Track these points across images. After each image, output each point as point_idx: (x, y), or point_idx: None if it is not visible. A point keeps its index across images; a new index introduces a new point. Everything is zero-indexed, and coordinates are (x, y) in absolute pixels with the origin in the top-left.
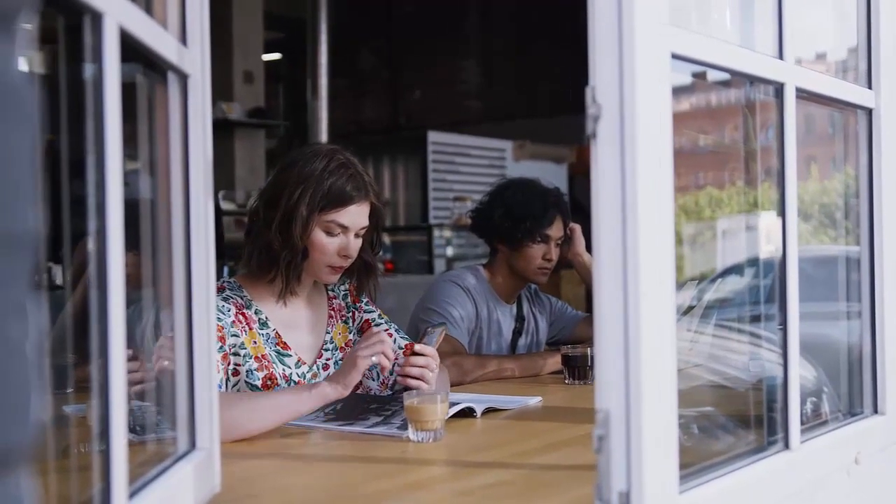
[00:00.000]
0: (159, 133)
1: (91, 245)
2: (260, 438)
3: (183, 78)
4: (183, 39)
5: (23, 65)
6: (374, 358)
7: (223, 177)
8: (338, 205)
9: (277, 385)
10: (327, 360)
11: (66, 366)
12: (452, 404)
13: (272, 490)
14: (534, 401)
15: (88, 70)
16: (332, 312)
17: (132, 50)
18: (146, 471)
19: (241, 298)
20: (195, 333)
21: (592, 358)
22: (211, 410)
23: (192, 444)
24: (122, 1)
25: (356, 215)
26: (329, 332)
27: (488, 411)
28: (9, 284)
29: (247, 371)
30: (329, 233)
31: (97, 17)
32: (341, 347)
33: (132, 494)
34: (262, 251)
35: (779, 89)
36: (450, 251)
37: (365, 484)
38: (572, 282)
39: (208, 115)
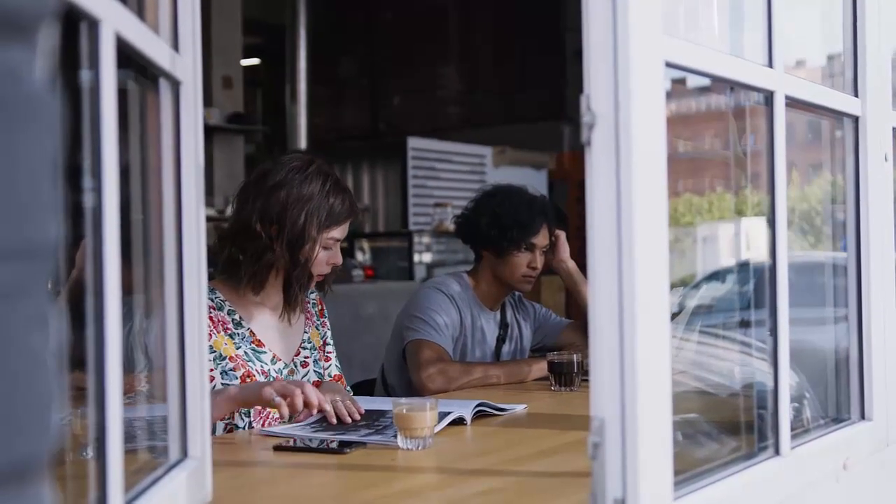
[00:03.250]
0: (150, 139)
1: (87, 251)
2: (251, 448)
3: (175, 85)
4: (175, 46)
5: (43, 73)
6: (277, 399)
7: None
8: (339, 223)
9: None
10: (305, 357)
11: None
12: (442, 413)
13: (263, 499)
14: (520, 408)
15: (84, 76)
16: (308, 315)
17: (125, 56)
18: (138, 479)
19: (213, 300)
20: (186, 341)
21: (578, 364)
22: (203, 419)
23: (184, 453)
24: (118, 8)
25: (347, 228)
26: (307, 332)
27: (478, 416)
28: (31, 294)
29: (222, 372)
30: (326, 248)
31: (94, 24)
32: (319, 347)
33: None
34: (266, 269)
35: (768, 97)
36: (430, 257)
37: (356, 493)
38: (552, 288)
39: (200, 122)
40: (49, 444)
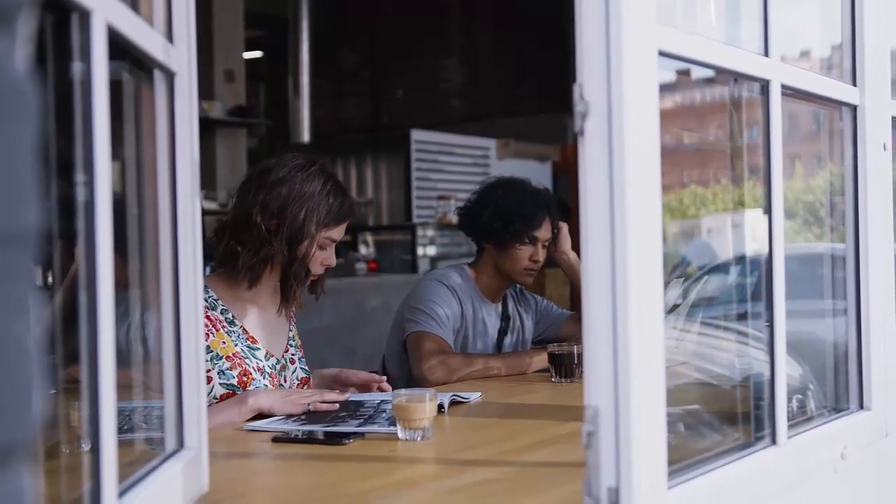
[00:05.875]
0: (145, 132)
1: (79, 246)
2: (247, 439)
3: (170, 76)
4: (169, 37)
5: (23, 62)
6: (310, 406)
7: (204, 176)
8: (337, 223)
9: (253, 380)
10: (292, 355)
11: (50, 367)
12: None
13: (260, 490)
14: (474, 396)
15: (76, 68)
16: (292, 314)
17: (118, 48)
18: (133, 470)
19: (206, 300)
20: (182, 333)
21: (579, 356)
22: (199, 410)
23: (181, 444)
24: None
25: (343, 230)
26: (291, 331)
27: (453, 404)
28: (12, 280)
29: (219, 372)
30: (322, 247)
31: (85, 15)
32: (300, 346)
33: (121, 493)
34: (263, 262)
35: (764, 86)
36: (433, 250)
37: (354, 483)
38: (556, 280)
39: (195, 114)
40: (31, 429)
